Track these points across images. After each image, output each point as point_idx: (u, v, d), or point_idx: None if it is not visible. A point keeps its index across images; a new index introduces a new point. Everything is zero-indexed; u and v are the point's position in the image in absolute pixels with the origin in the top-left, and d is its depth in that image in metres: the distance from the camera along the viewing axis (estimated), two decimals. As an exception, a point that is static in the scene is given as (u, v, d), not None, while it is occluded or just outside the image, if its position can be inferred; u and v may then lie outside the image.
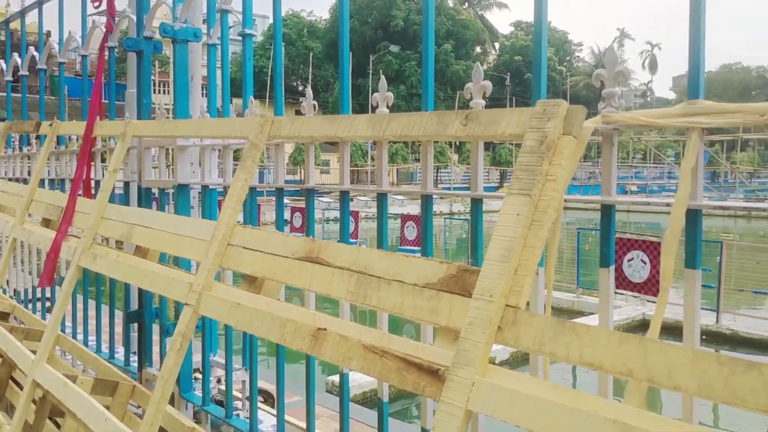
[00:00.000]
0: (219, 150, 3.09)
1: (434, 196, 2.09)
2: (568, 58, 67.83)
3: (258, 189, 2.89)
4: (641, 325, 12.35)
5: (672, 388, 1.04)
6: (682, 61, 1.46)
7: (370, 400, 8.08)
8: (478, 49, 60.98)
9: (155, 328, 3.50)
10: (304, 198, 2.51)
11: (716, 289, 11.93)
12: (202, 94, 3.40)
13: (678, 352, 1.05)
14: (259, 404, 3.29)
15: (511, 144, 43.49)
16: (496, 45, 65.64)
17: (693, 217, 1.44)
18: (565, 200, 1.47)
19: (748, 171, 51.31)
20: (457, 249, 21.70)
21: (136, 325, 3.61)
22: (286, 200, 2.73)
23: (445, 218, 21.88)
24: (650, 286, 10.22)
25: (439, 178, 44.75)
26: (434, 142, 1.99)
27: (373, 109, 2.10)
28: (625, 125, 1.48)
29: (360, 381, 8.30)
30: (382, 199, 2.22)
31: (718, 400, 0.98)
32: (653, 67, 77.57)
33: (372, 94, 2.15)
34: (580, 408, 1.10)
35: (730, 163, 48.15)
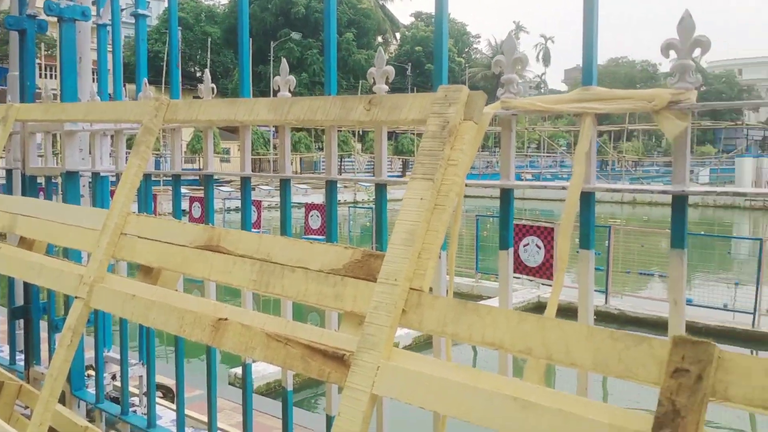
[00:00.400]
0: (111, 136, 2.95)
1: (338, 184, 2.07)
2: (466, 50, 69.33)
3: (153, 177, 2.78)
4: (536, 308, 12.88)
5: (569, 364, 1.07)
6: (574, 54, 1.52)
7: (274, 390, 8.01)
8: (379, 39, 61.21)
9: (43, 324, 3.34)
10: (203, 187, 2.44)
11: (605, 271, 12.63)
12: (93, 79, 3.22)
13: (574, 329, 1.08)
14: (159, 399, 3.19)
15: (413, 133, 44.07)
16: (397, 35, 66.14)
17: (587, 199, 1.50)
18: (466, 185, 1.49)
19: (634, 160, 54.47)
20: (362, 237, 21.81)
21: (21, 321, 3.44)
22: (184, 190, 2.65)
23: (349, 207, 21.94)
24: (545, 270, 10.71)
25: (343, 167, 44.68)
26: (338, 130, 1.97)
27: (275, 94, 2.06)
28: (523, 110, 1.52)
29: (263, 372, 8.22)
30: (285, 185, 2.18)
31: (612, 375, 1.02)
32: (547, 59, 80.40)
33: (273, 80, 2.10)
34: (481, 387, 1.13)
35: (617, 152, 50.88)
